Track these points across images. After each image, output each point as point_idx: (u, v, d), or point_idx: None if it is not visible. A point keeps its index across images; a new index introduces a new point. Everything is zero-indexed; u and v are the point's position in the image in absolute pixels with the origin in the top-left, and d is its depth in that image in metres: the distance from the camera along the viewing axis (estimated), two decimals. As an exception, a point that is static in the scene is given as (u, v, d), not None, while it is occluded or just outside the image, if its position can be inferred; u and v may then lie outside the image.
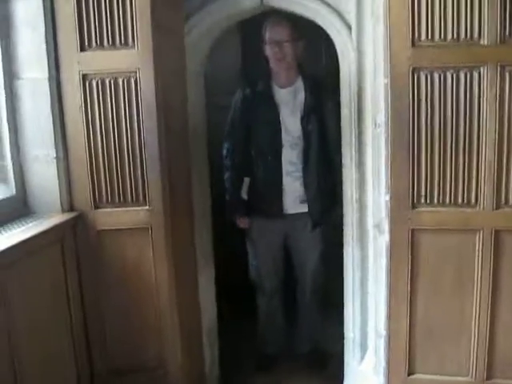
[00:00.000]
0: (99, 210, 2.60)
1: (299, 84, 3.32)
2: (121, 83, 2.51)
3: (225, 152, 3.43)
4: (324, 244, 3.49)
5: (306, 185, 3.28)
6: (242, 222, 3.47)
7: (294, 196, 3.32)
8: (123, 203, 2.59)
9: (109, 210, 2.60)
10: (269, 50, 3.25)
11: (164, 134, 2.54)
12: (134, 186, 2.57)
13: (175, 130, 2.68)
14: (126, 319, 2.69)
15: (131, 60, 2.48)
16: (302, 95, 3.29)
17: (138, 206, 2.59)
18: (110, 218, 2.60)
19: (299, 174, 3.28)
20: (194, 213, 2.97)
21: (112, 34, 2.48)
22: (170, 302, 2.65)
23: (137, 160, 2.54)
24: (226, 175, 3.42)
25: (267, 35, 3.25)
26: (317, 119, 3.22)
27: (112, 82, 2.51)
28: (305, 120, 3.24)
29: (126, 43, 2.48)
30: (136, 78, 2.49)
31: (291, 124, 3.26)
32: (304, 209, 3.31)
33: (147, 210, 2.57)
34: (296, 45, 3.24)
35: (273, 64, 3.28)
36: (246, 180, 3.39)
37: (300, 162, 3.27)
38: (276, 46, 3.20)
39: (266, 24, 3.27)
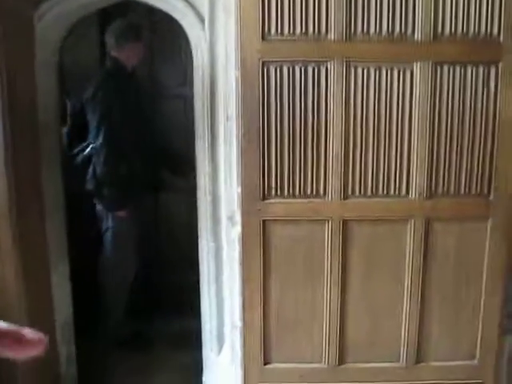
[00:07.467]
0: None
1: None
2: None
3: None
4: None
5: None
6: None
7: None
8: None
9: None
10: (117, 53, 3.53)
11: (9, 124, 2.40)
12: (-25, 178, 2.43)
13: (22, 121, 2.55)
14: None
15: (-29, 46, 2.34)
16: None
17: (-19, 198, 2.45)
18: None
19: None
20: (44, 208, 2.84)
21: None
22: (18, 298, 2.51)
23: (-21, 152, 2.41)
24: None
25: (113, 40, 3.51)
26: None
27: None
28: None
29: (-34, 28, 2.35)
30: (-23, 65, 2.36)
31: None
32: None
33: (-10, 203, 2.44)
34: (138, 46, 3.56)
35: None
36: None
37: None
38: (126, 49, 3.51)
39: (109, 29, 3.50)
